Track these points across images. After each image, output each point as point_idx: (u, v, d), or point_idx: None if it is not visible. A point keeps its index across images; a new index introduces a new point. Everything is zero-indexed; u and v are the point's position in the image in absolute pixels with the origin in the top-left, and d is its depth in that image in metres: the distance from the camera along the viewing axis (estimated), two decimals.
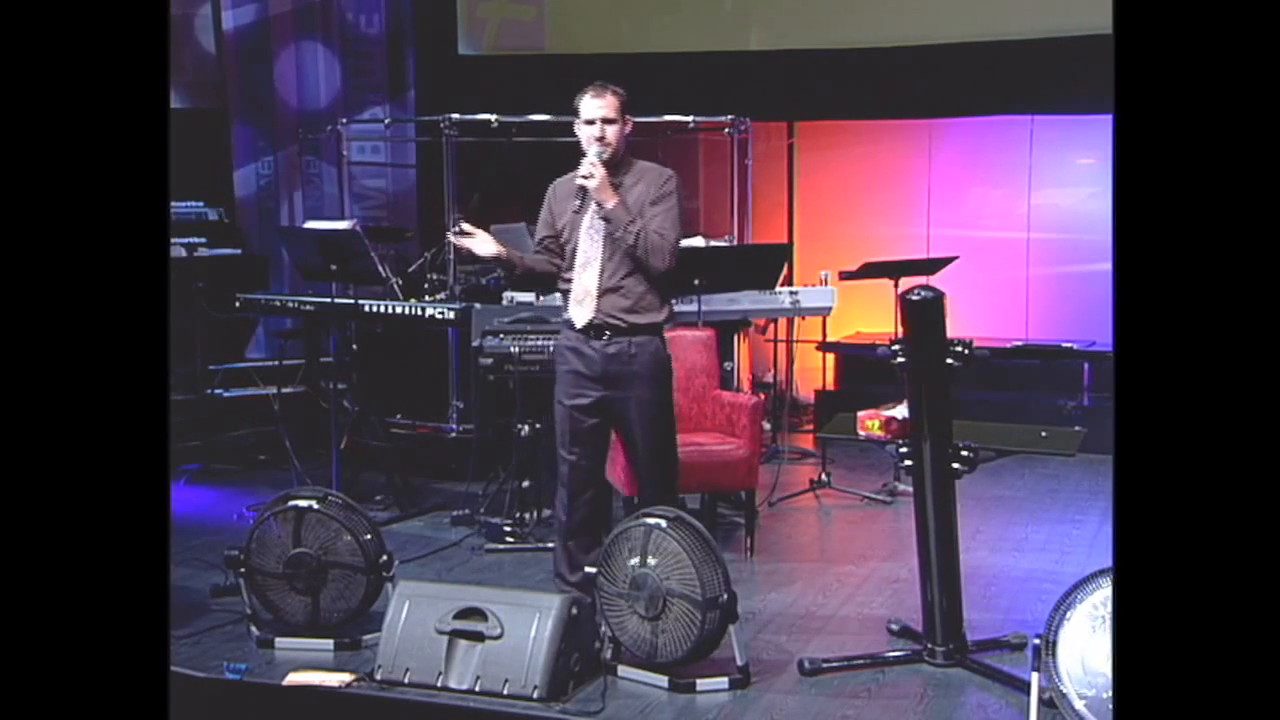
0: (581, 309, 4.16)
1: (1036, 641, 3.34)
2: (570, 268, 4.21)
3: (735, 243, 7.24)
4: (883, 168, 8.36)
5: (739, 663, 3.79)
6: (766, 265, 6.12)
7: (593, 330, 4.14)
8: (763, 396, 6.72)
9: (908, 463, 3.95)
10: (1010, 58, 7.28)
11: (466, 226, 4.25)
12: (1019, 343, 7.55)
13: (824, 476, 6.26)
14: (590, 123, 4.15)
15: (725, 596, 3.72)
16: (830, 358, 7.72)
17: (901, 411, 3.95)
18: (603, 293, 4.13)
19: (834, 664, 3.93)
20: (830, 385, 7.92)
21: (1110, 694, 3.18)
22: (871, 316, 7.55)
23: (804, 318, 6.95)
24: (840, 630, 4.33)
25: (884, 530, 5.63)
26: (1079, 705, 3.22)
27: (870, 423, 4.01)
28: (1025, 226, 8.21)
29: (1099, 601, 3.27)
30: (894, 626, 4.26)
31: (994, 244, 8.18)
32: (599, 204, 4.09)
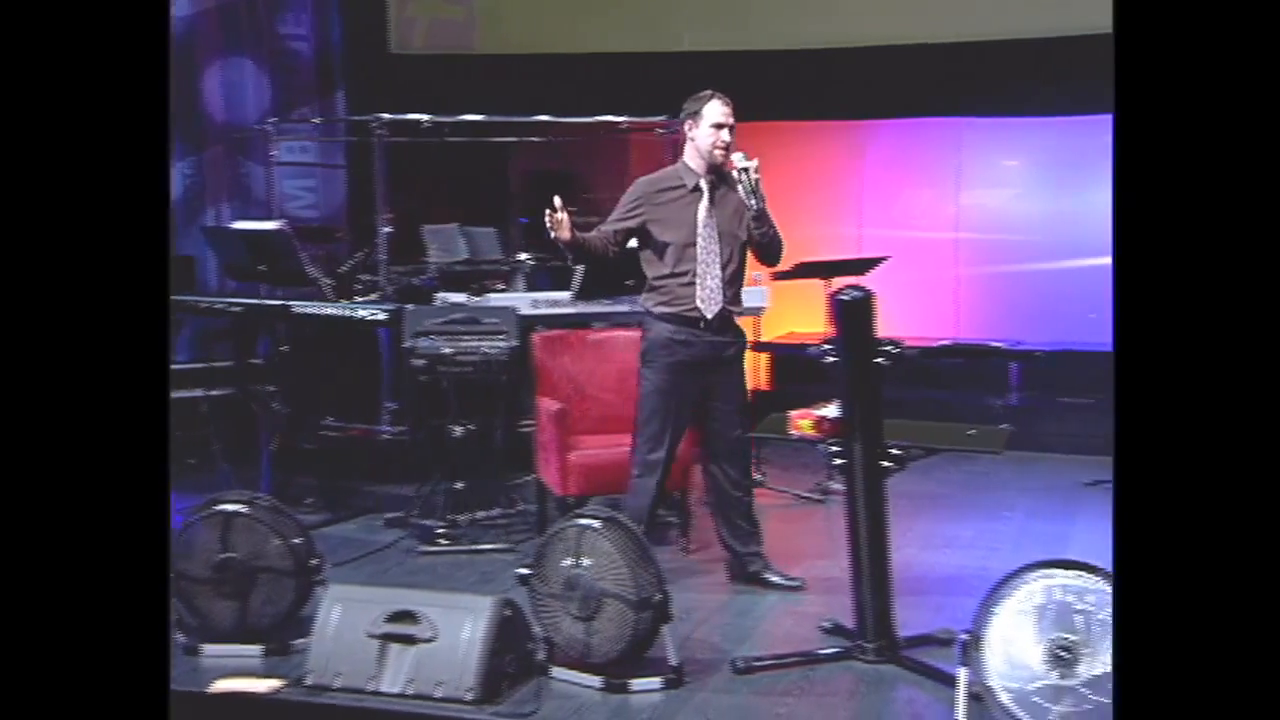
0: (710, 302, 4.51)
1: (964, 637, 3.38)
2: (681, 263, 4.51)
3: None
4: (815, 169, 8.43)
5: (672, 662, 3.80)
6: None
7: (715, 322, 4.51)
8: None
9: (839, 461, 3.98)
10: (940, 60, 7.37)
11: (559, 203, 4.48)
12: (947, 342, 7.64)
13: (758, 476, 6.29)
14: (720, 127, 4.51)
15: (659, 596, 3.72)
16: (764, 357, 7.77)
17: (833, 411, 3.98)
18: (724, 286, 4.52)
19: (766, 662, 3.95)
20: (764, 385, 7.97)
21: (1034, 687, 3.23)
22: (805, 316, 7.61)
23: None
24: (773, 628, 4.36)
25: (817, 529, 5.67)
26: (1004, 699, 3.26)
27: (802, 422, 4.04)
28: (954, 227, 8.32)
29: (1024, 596, 3.31)
30: (826, 624, 4.29)
31: (924, 244, 8.28)
32: (758, 197, 4.39)
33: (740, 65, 7.74)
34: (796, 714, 3.63)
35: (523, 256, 6.82)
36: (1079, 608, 3.25)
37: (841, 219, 8.41)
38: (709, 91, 4.59)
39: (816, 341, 4.11)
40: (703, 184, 4.56)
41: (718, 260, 4.52)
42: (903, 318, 7.43)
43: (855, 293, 3.92)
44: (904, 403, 4.46)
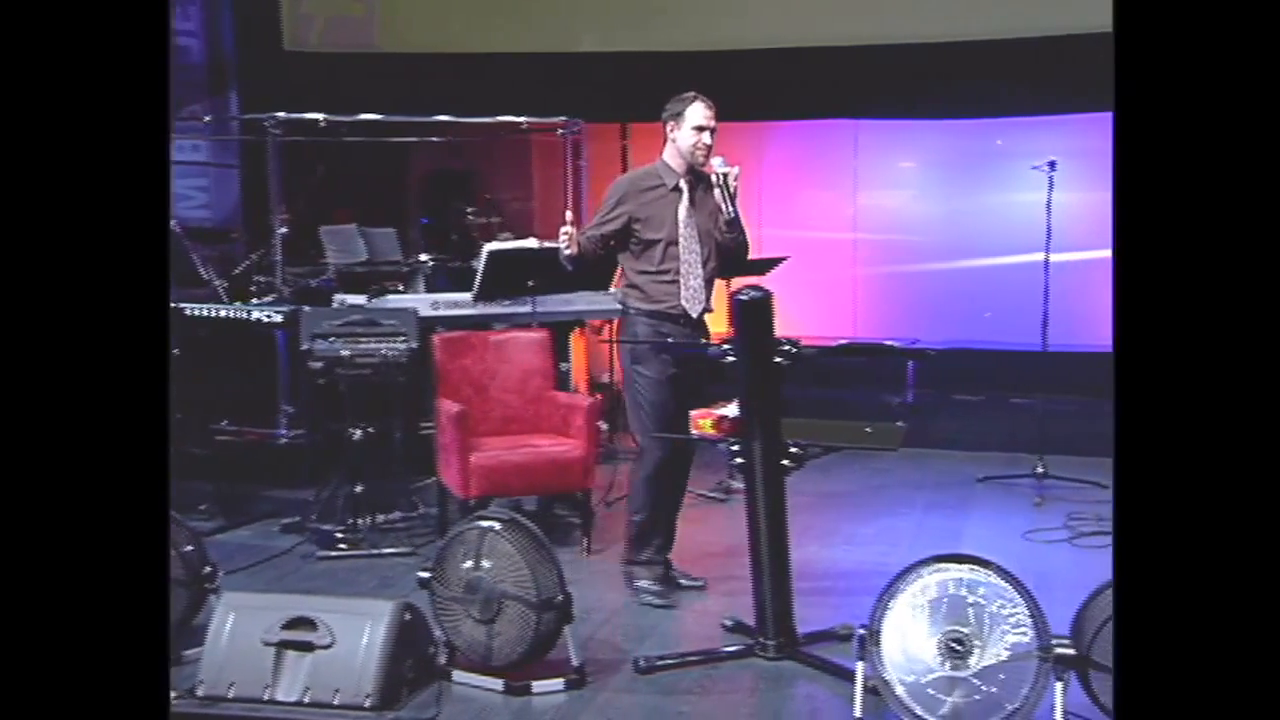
0: (694, 302, 4.53)
1: (862, 632, 3.43)
2: (664, 261, 4.51)
3: None
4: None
5: (574, 663, 3.80)
6: (601, 266, 6.14)
7: (696, 320, 4.54)
8: (599, 397, 6.74)
9: (739, 461, 4.01)
10: (837, 63, 7.48)
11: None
12: (845, 341, 7.75)
13: None
14: (702, 130, 4.48)
15: (560, 597, 3.72)
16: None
17: (733, 410, 4.01)
18: (705, 285, 4.55)
19: (669, 661, 3.96)
20: None
21: (929, 679, 3.30)
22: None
23: None
24: (675, 627, 4.38)
25: (719, 527, 5.70)
26: (900, 691, 3.32)
27: (703, 422, 4.07)
28: (852, 227, 8.45)
29: (918, 591, 3.38)
30: (727, 622, 4.33)
31: (822, 244, 8.39)
32: (735, 205, 4.43)
33: (639, 67, 7.79)
34: (698, 712, 3.65)
35: (423, 257, 6.77)
36: (971, 601, 3.32)
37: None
38: (692, 93, 4.55)
39: (717, 342, 4.14)
40: (682, 184, 4.55)
41: (699, 259, 4.54)
42: (802, 317, 7.53)
43: (754, 293, 3.96)
44: (803, 401, 4.50)
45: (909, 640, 3.35)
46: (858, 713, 3.42)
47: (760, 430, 3.94)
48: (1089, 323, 7.75)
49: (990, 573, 3.35)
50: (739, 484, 5.67)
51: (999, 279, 8.00)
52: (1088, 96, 7.41)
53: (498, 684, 3.74)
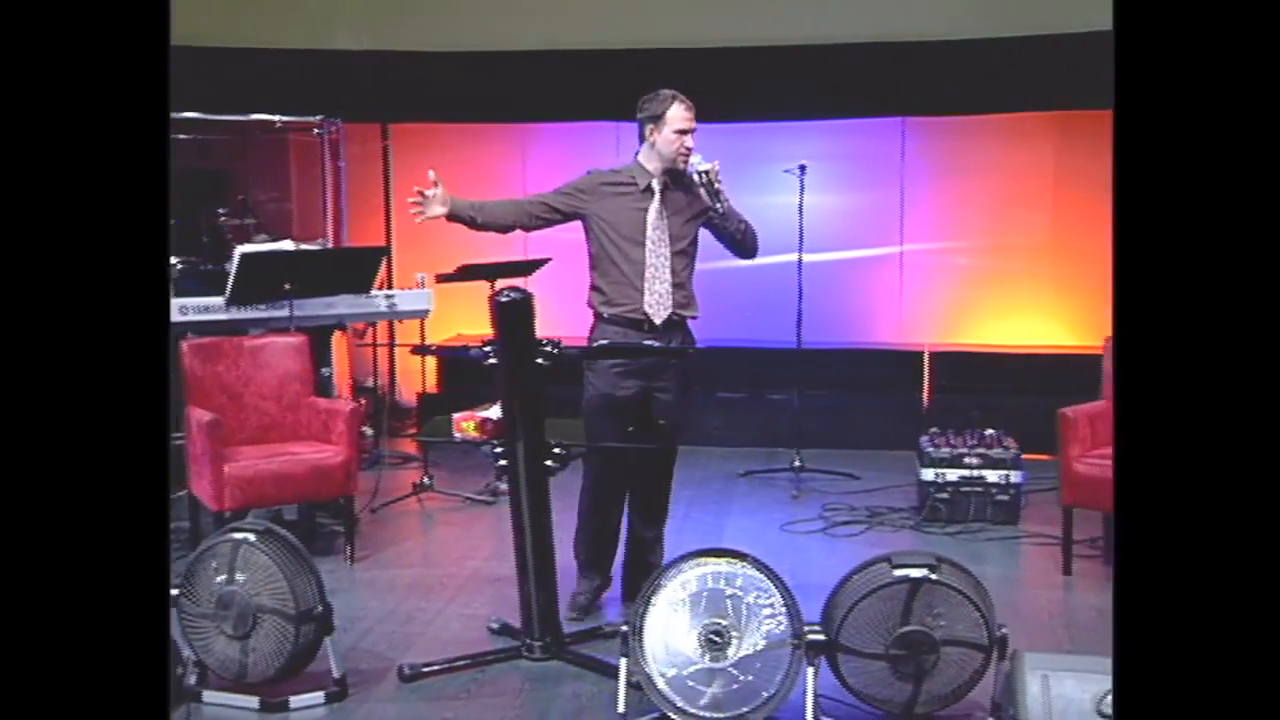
0: (660, 306, 4.35)
1: (625, 629, 3.47)
2: (628, 264, 4.35)
3: (330, 246, 7.08)
4: (479, 170, 8.42)
5: (335, 675, 3.71)
6: (361, 268, 6.02)
7: (662, 326, 4.35)
8: (363, 402, 6.60)
9: (502, 462, 4.00)
10: (597, 65, 7.56)
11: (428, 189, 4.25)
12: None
13: (426, 479, 6.24)
14: (683, 133, 4.37)
15: (320, 608, 3.62)
16: (431, 360, 7.70)
17: (496, 412, 4.00)
18: (673, 290, 4.36)
19: (434, 667, 3.92)
20: (433, 388, 7.91)
21: (690, 671, 3.37)
22: (472, 318, 7.60)
23: (402, 320, 6.91)
24: (442, 633, 4.33)
25: (486, 530, 5.68)
26: (661, 685, 3.38)
27: (466, 424, 4.06)
28: None
29: (680, 585, 3.44)
30: (494, 625, 4.31)
31: (586, 245, 8.43)
32: (721, 199, 4.32)
33: (398, 65, 7.66)
34: (464, 717, 3.62)
35: (171, 260, 6.46)
36: (729, 593, 3.41)
37: None
38: (669, 93, 4.42)
39: (481, 344, 4.12)
40: (655, 185, 4.38)
41: (667, 264, 4.34)
42: (569, 318, 7.55)
43: (513, 294, 3.96)
44: (569, 402, 4.53)
45: (671, 634, 3.41)
46: (621, 709, 3.46)
47: (523, 431, 3.94)
48: (839, 320, 8.09)
49: (747, 565, 3.45)
50: (506, 485, 5.69)
51: (757, 279, 8.24)
52: (836, 102, 7.75)
53: (253, 701, 3.62)
